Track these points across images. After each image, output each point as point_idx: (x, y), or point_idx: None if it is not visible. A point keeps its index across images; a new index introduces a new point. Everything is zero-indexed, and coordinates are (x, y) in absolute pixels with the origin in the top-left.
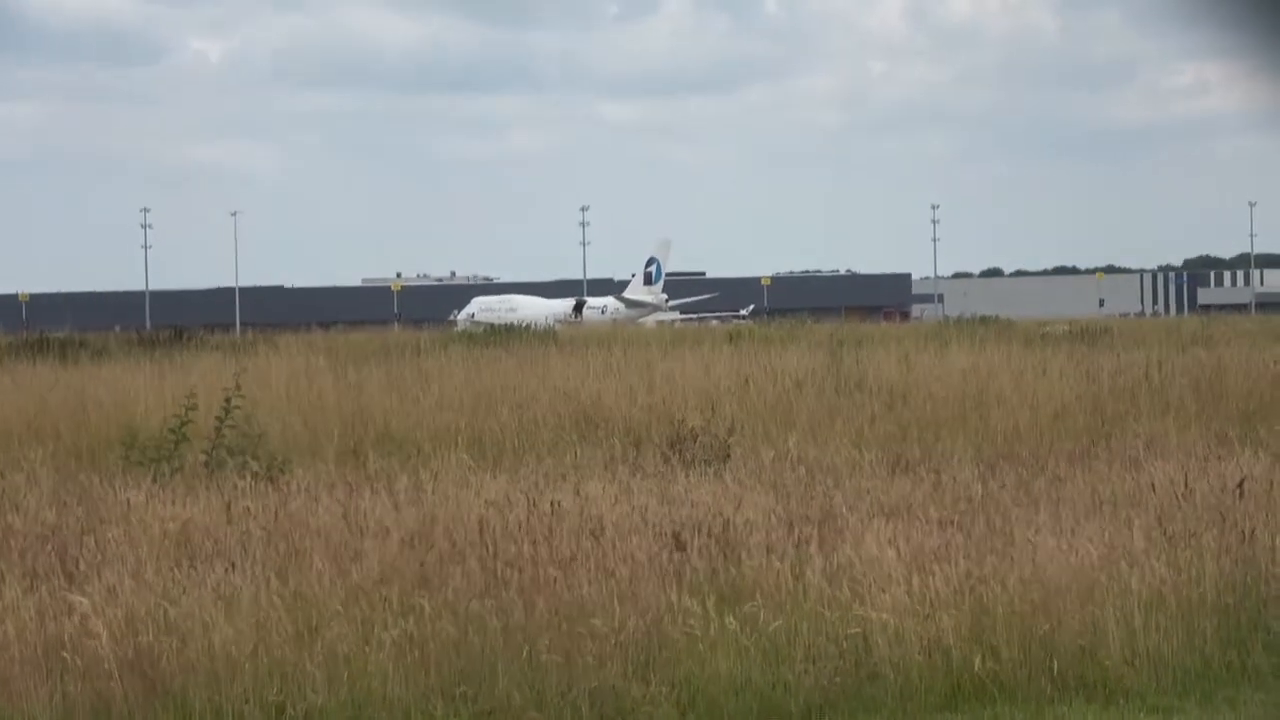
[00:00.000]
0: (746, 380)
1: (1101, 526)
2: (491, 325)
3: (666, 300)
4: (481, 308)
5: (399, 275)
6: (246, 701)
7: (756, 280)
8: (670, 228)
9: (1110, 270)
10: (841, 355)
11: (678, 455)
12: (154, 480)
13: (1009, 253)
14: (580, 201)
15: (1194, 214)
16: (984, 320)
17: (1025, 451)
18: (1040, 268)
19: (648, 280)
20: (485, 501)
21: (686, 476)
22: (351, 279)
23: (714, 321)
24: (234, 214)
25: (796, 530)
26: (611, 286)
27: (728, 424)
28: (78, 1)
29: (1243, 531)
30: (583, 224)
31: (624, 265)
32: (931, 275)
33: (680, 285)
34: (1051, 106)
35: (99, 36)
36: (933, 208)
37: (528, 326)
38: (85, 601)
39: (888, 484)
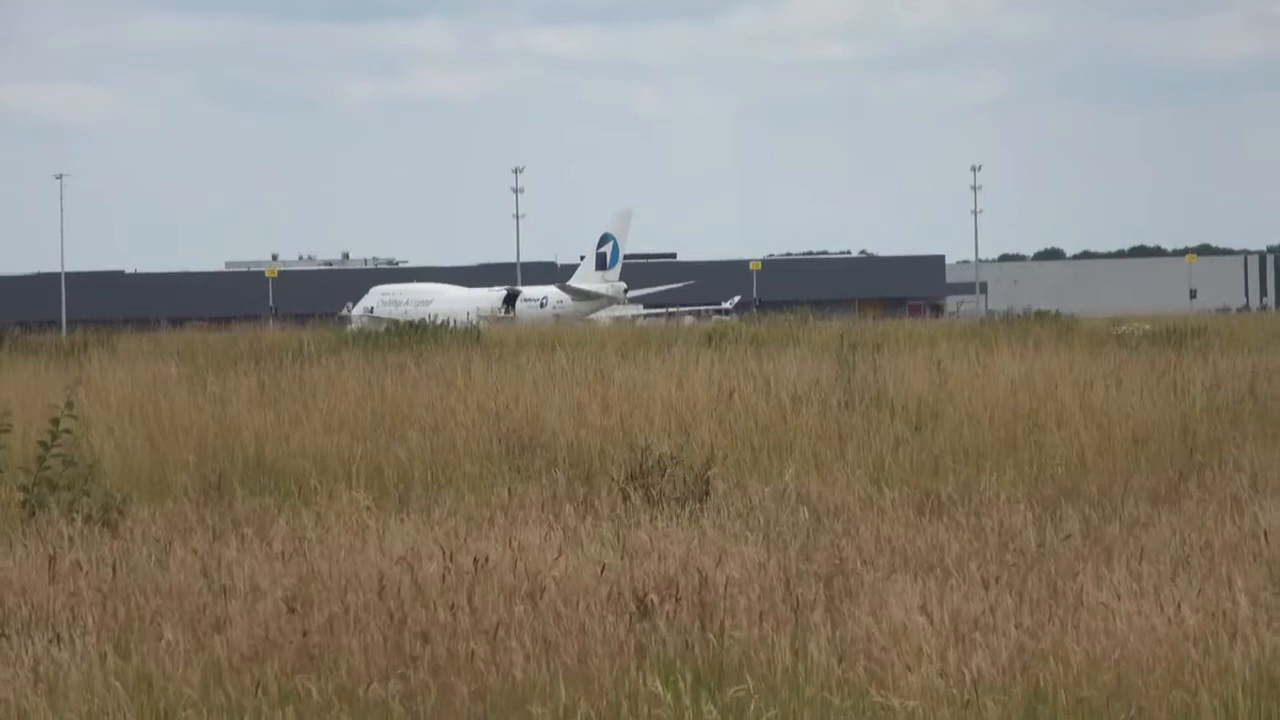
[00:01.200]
0: (730, 394)
1: (1194, 586)
2: (396, 323)
3: (626, 290)
4: (383, 300)
5: (275, 258)
6: None
7: (744, 264)
8: (632, 197)
9: (1205, 252)
10: (854, 362)
11: (641, 492)
12: None
13: (1072, 229)
14: (512, 162)
15: None
16: (1040, 316)
17: (1094, 488)
18: (1113, 249)
19: (601, 264)
20: (388, 554)
21: (652, 520)
22: (213, 263)
23: (688, 318)
24: (59, 177)
25: (796, 591)
26: (554, 273)
27: (706, 451)
28: None
29: None
30: (516, 190)
31: (570, 246)
32: (971, 259)
33: (644, 271)
34: (1127, 37)
35: None
36: (973, 170)
37: (444, 324)
38: None
39: (915, 530)
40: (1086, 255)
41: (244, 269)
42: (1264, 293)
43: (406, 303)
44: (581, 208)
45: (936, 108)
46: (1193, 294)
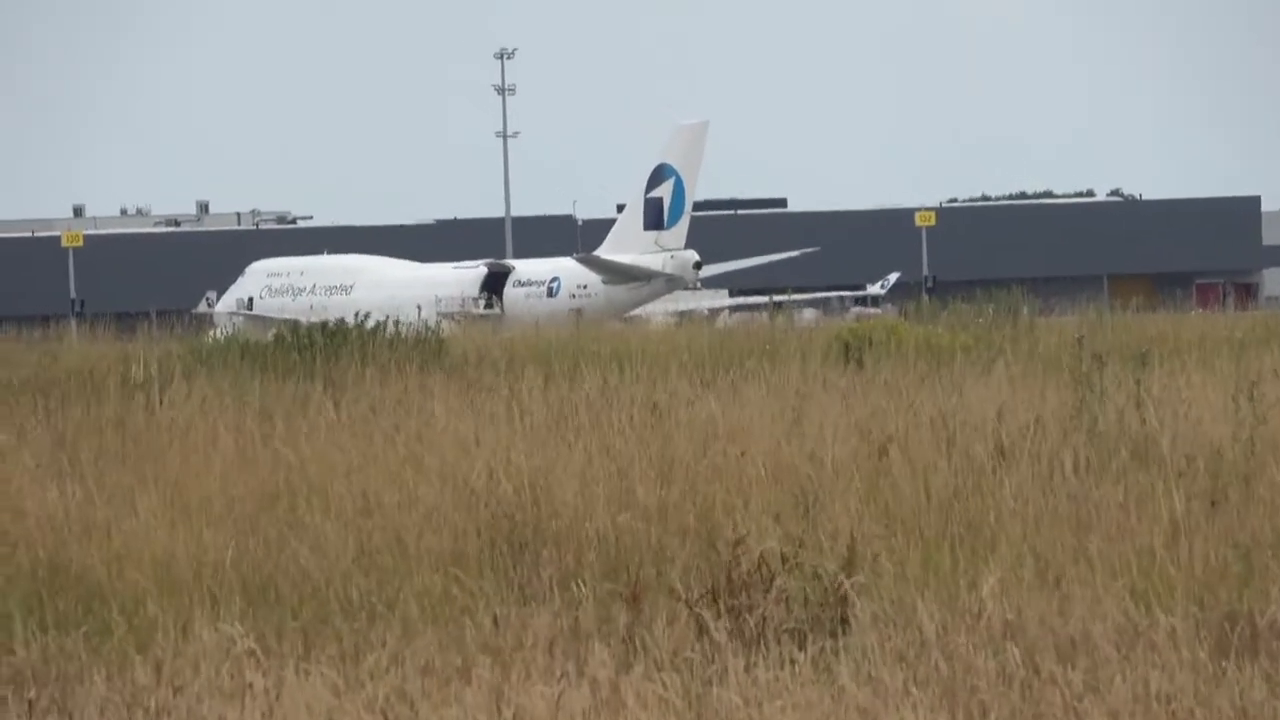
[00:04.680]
0: (883, 447)
1: None
2: (294, 325)
3: (698, 265)
4: (271, 285)
5: (79, 213)
6: None
7: (905, 216)
8: (706, 108)
9: None
10: (1103, 387)
11: (730, 620)
12: None
13: None
14: (496, 42)
15: None
16: None
17: None
18: None
19: (654, 220)
20: None
21: (749, 669)
22: None
23: (809, 311)
24: None
25: None
26: (571, 235)
27: (843, 549)
28: None
29: None
30: (502, 91)
31: (599, 188)
32: None
33: (732, 231)
34: None
35: None
36: None
37: (378, 326)
38: None
39: (1213, 683)
40: None
41: (24, 234)
42: None
43: (310, 289)
44: (620, 124)
45: None
46: None
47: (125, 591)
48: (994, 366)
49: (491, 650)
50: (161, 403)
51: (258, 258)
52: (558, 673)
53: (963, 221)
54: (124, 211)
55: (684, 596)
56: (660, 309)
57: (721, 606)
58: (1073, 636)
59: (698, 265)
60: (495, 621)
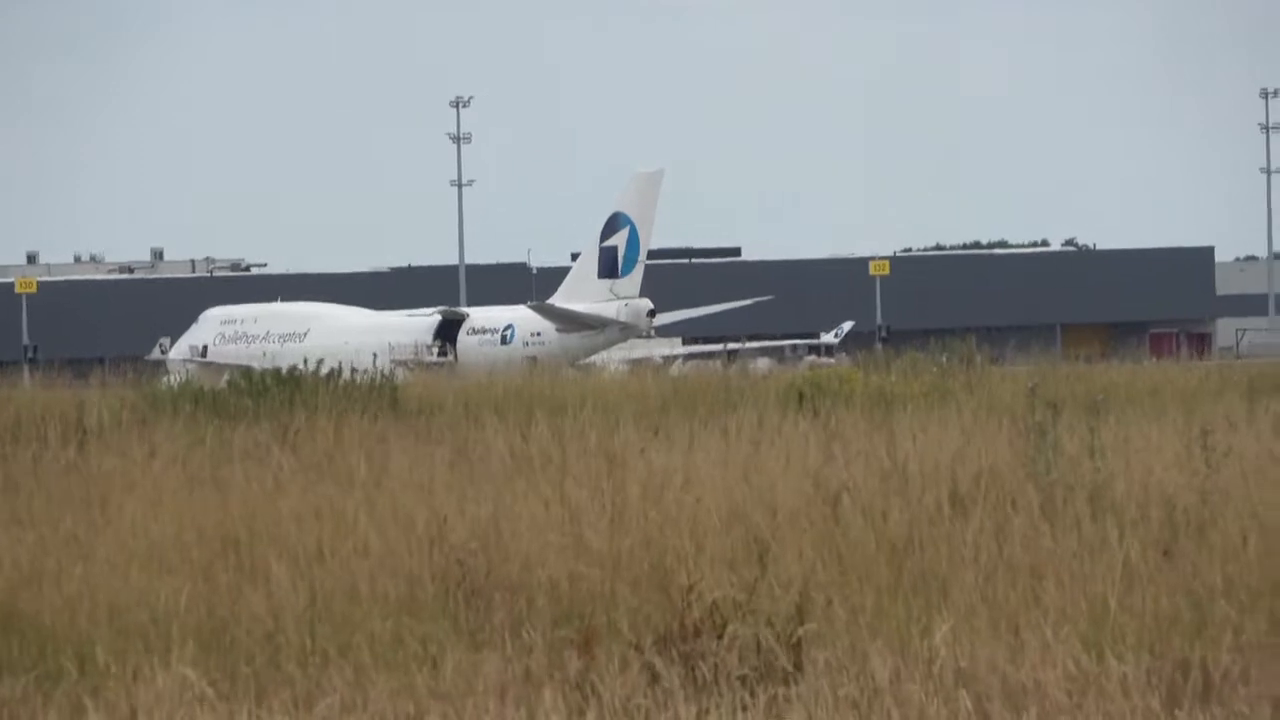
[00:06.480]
0: (837, 495)
1: None
2: (247, 371)
3: (651, 313)
4: (225, 332)
5: (32, 260)
6: None
7: (859, 266)
8: (663, 155)
9: None
10: (1056, 435)
11: (681, 667)
12: None
13: None
14: (452, 89)
15: None
16: None
17: None
18: None
19: (609, 268)
20: None
21: (701, 716)
22: None
23: (763, 360)
24: None
25: None
26: (526, 283)
27: (794, 594)
28: None
29: None
30: (458, 139)
31: (553, 236)
32: (1261, 253)
33: (686, 280)
34: None
35: None
36: (1263, 97)
37: (332, 372)
38: None
39: None
40: None
41: None
42: None
43: (264, 336)
44: (576, 171)
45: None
46: None
47: (77, 637)
48: (947, 415)
49: (443, 696)
50: (113, 449)
51: (212, 305)
52: (509, 719)
53: (917, 271)
54: (78, 258)
55: (636, 643)
56: (614, 357)
57: (674, 653)
58: (1025, 684)
59: (652, 313)
60: (446, 668)
